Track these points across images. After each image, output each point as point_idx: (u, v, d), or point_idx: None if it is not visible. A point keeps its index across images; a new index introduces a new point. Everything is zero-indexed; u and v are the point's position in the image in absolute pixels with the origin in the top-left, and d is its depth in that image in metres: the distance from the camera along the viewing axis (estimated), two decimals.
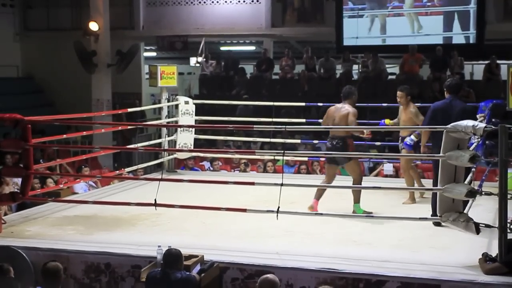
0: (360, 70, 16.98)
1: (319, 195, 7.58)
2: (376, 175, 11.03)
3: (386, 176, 10.69)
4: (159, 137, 10.95)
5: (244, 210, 6.56)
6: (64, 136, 9.27)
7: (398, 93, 8.36)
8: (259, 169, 11.19)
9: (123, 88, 18.07)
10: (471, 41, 16.10)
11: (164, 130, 10.21)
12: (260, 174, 10.76)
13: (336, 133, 7.63)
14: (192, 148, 10.30)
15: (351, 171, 7.77)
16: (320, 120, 10.04)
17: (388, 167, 10.89)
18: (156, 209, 6.77)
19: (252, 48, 21.34)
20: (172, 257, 5.23)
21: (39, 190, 8.67)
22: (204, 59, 17.78)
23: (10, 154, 11.15)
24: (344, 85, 15.85)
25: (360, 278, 5.42)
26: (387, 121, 8.57)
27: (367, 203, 7.68)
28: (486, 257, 5.46)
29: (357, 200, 7.49)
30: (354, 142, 7.93)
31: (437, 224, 6.46)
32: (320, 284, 5.29)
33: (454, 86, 7.28)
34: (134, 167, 10.61)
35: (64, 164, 11.22)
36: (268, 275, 4.77)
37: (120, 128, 12.64)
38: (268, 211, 6.43)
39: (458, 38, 16.28)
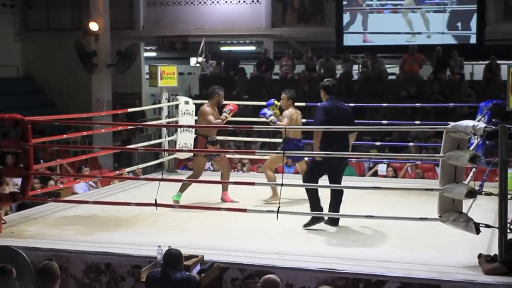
0: (360, 70, 16.98)
1: (226, 186, 7.99)
2: (372, 175, 11.02)
3: (386, 176, 10.68)
4: (159, 137, 10.96)
5: (244, 210, 6.57)
6: (64, 136, 9.27)
7: (282, 95, 8.32)
8: (259, 169, 11.18)
9: (123, 88, 18.07)
10: (471, 41, 16.10)
11: (164, 130, 10.22)
12: (260, 174, 10.75)
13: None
14: (192, 148, 10.29)
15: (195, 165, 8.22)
16: None
17: (382, 168, 10.90)
18: (156, 209, 6.77)
19: (252, 48, 21.34)
20: (172, 257, 5.23)
21: (39, 190, 8.67)
22: (204, 59, 17.78)
23: (10, 154, 11.16)
24: (345, 85, 16.07)
25: (360, 278, 5.42)
26: (276, 102, 8.42)
27: (367, 203, 7.68)
28: (486, 257, 5.46)
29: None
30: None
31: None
32: (320, 284, 5.29)
33: (333, 87, 7.23)
34: (134, 167, 10.61)
35: (64, 164, 11.22)
36: (270, 275, 4.77)
37: (120, 128, 12.65)
38: (268, 211, 6.44)
39: (458, 38, 16.28)
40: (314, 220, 6.85)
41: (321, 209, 6.86)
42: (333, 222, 6.95)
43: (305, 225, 6.84)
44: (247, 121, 10.07)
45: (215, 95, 8.20)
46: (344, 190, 7.10)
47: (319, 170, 6.99)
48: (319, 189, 7.03)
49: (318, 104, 7.21)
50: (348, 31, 16.80)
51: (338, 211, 6.92)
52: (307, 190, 6.97)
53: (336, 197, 6.99)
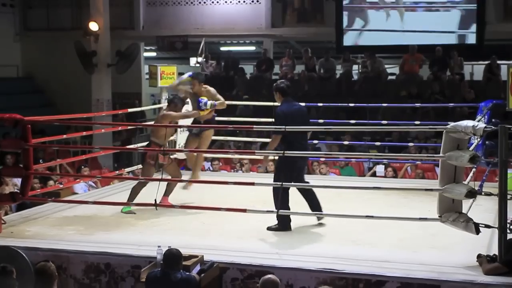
0: (360, 70, 16.98)
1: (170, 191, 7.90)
2: (371, 176, 11.02)
3: (385, 177, 10.68)
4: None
5: (244, 210, 6.56)
6: (64, 136, 9.27)
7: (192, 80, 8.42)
8: (259, 169, 11.18)
9: (123, 88, 18.07)
10: (471, 41, 16.10)
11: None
12: (260, 174, 10.75)
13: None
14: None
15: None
16: (321, 121, 10.08)
17: (380, 169, 10.91)
18: (156, 209, 6.77)
19: (252, 48, 21.34)
20: (172, 257, 5.23)
21: (39, 190, 8.67)
22: (204, 59, 17.77)
23: (10, 154, 11.15)
24: (345, 85, 16.05)
25: (360, 278, 5.42)
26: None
27: (367, 203, 7.69)
28: (486, 257, 5.46)
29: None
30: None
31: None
32: (320, 285, 5.30)
33: (287, 88, 7.12)
34: (134, 167, 10.60)
35: (64, 164, 11.22)
36: (270, 276, 4.77)
37: (120, 128, 12.64)
38: (268, 211, 6.44)
39: (458, 38, 16.28)
40: (282, 226, 6.77)
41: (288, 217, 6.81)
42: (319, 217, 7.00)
43: (269, 228, 6.79)
44: (247, 121, 10.05)
45: (172, 104, 8.08)
46: (343, 190, 7.09)
47: (289, 173, 6.80)
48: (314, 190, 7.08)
49: (277, 108, 7.12)
50: (348, 30, 16.80)
51: (319, 206, 6.92)
52: (274, 193, 6.84)
53: (309, 197, 6.99)
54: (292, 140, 6.84)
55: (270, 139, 7.10)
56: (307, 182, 7.14)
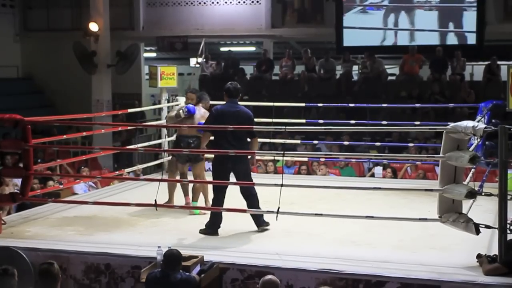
0: (360, 71, 16.98)
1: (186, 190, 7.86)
2: (371, 177, 11.03)
3: (385, 177, 10.68)
4: (159, 137, 10.95)
5: (244, 211, 6.56)
6: (64, 136, 9.27)
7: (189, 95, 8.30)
8: (259, 170, 11.18)
9: (123, 88, 18.06)
10: (471, 42, 16.09)
11: (164, 131, 10.21)
12: (260, 174, 10.75)
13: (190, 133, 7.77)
14: None
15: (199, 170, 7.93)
16: (321, 121, 10.09)
17: (378, 170, 10.91)
18: (156, 209, 6.77)
19: (252, 48, 21.33)
20: (172, 258, 5.23)
21: (39, 191, 8.67)
22: (204, 60, 17.77)
23: (9, 155, 11.14)
24: (345, 85, 16.03)
25: (360, 279, 5.42)
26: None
27: (367, 203, 7.69)
28: (487, 258, 5.46)
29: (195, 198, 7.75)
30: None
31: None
32: (320, 285, 5.31)
33: (234, 90, 7.10)
34: (134, 168, 10.60)
35: (64, 165, 11.22)
36: (270, 276, 4.76)
37: (120, 128, 12.64)
38: (268, 212, 6.44)
39: (459, 38, 16.28)
40: (211, 230, 6.77)
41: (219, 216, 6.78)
42: (261, 223, 6.87)
43: (201, 231, 6.79)
44: None
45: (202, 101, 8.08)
46: (343, 191, 7.07)
47: (219, 172, 6.89)
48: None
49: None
50: (348, 29, 16.80)
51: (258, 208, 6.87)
52: (214, 193, 6.96)
53: (250, 200, 6.93)
54: (217, 140, 6.96)
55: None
56: (245, 189, 6.95)
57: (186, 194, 7.92)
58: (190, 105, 7.91)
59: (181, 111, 7.84)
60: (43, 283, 4.78)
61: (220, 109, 7.00)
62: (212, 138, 7.19)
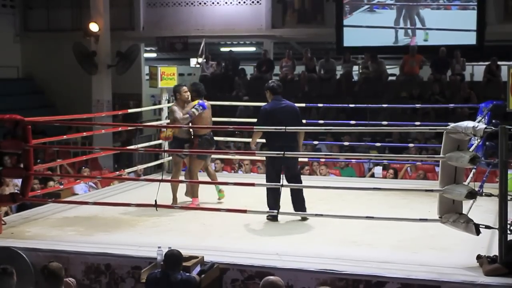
0: (360, 71, 16.99)
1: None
2: (371, 177, 11.03)
3: (386, 177, 10.68)
4: (159, 138, 10.93)
5: (244, 211, 6.56)
6: (64, 137, 9.27)
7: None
8: (260, 170, 11.18)
9: (123, 89, 18.06)
10: (471, 42, 16.09)
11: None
12: (260, 175, 10.75)
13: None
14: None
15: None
16: (321, 121, 10.09)
17: (378, 170, 10.91)
18: (156, 210, 6.77)
19: (252, 49, 21.34)
20: (172, 258, 5.23)
21: (39, 191, 8.67)
22: (204, 60, 17.78)
23: (8, 156, 11.14)
24: (345, 86, 16.04)
25: (360, 279, 5.42)
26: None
27: (367, 204, 7.68)
28: (487, 258, 5.46)
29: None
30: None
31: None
32: (320, 285, 5.30)
33: (278, 87, 7.34)
34: (135, 168, 10.59)
35: (64, 165, 11.22)
36: (272, 277, 4.75)
37: (120, 129, 12.63)
38: (268, 212, 6.44)
39: (459, 39, 16.28)
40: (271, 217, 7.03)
41: (278, 208, 6.91)
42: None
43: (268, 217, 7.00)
44: (247, 122, 10.06)
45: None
46: (343, 191, 7.09)
47: (272, 170, 7.13)
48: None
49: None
50: (348, 28, 16.81)
51: (303, 206, 7.04)
52: (267, 191, 7.13)
53: (296, 197, 7.12)
54: (271, 137, 7.07)
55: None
56: (297, 180, 7.20)
57: (196, 195, 7.92)
58: (202, 101, 7.93)
59: (194, 109, 7.82)
60: (48, 283, 4.79)
61: (270, 108, 7.18)
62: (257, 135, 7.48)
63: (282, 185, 6.30)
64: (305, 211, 7.06)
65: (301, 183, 7.26)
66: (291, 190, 7.13)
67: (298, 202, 7.12)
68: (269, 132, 7.03)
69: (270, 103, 7.28)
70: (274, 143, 7.02)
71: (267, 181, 7.16)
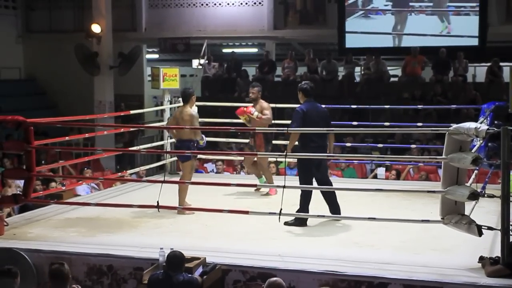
0: (362, 72, 16.98)
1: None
2: (373, 178, 11.01)
3: (388, 179, 10.67)
4: (161, 139, 10.96)
5: (246, 212, 6.56)
6: (67, 138, 9.28)
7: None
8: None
9: (126, 90, 18.08)
10: (473, 43, 16.08)
11: (166, 132, 10.21)
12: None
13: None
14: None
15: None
16: None
17: (381, 171, 10.89)
18: (158, 211, 6.78)
19: (254, 50, 21.34)
20: (175, 259, 5.23)
21: (41, 192, 8.68)
22: (207, 61, 17.79)
23: (8, 157, 11.16)
24: (347, 87, 16.02)
25: (362, 280, 5.42)
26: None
27: (369, 205, 7.68)
28: (490, 260, 5.45)
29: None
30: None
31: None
32: (322, 286, 5.30)
33: (311, 90, 7.50)
34: (137, 169, 10.59)
35: (66, 166, 11.22)
36: (276, 278, 4.75)
37: (122, 130, 12.64)
38: (270, 213, 6.44)
39: (460, 40, 16.27)
40: (299, 222, 6.98)
41: (307, 211, 7.01)
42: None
43: (286, 223, 6.93)
44: None
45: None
46: (344, 192, 7.11)
47: (306, 171, 7.20)
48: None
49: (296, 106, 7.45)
50: (350, 32, 16.81)
51: (338, 209, 7.10)
52: (302, 192, 7.17)
53: (329, 197, 7.16)
54: (306, 139, 7.16)
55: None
56: (328, 181, 7.35)
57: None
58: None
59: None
60: (53, 284, 4.80)
61: (306, 110, 7.27)
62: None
63: (284, 186, 6.29)
64: (339, 213, 7.12)
65: (331, 184, 7.36)
66: (323, 192, 7.21)
67: (332, 204, 7.18)
68: (307, 132, 7.10)
69: (305, 105, 7.37)
70: (311, 143, 7.13)
71: (300, 183, 7.19)
